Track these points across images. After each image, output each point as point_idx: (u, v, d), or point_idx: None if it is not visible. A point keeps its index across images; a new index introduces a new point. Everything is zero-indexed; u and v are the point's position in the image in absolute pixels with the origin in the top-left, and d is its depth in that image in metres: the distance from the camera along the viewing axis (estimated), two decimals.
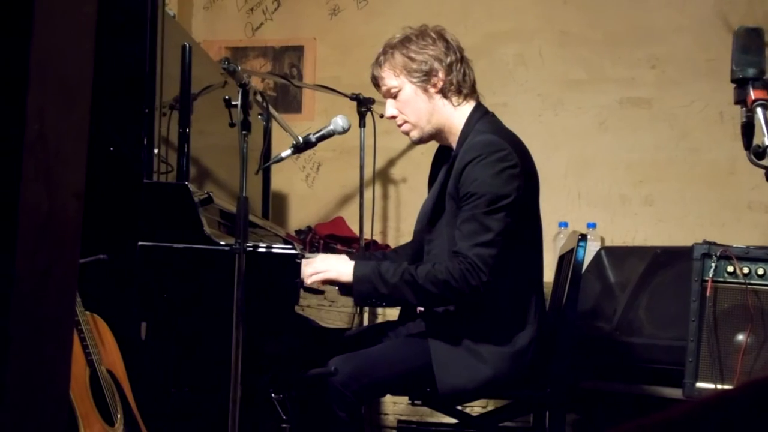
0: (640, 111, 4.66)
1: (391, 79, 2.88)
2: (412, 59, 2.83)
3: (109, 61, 2.97)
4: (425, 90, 2.85)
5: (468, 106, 2.88)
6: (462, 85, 2.86)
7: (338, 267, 2.83)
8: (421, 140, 2.95)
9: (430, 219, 2.86)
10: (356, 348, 2.97)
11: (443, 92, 2.86)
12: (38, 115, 1.06)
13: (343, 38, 4.99)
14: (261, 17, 5.10)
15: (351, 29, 4.98)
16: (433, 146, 3.06)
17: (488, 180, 2.67)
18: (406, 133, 2.94)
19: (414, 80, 2.84)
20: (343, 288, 2.87)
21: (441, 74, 2.84)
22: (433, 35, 2.86)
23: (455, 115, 2.88)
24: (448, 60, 2.84)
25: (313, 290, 2.94)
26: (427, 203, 2.95)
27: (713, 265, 3.15)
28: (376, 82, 2.94)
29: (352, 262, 2.82)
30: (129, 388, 2.70)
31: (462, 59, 2.88)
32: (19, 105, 1.04)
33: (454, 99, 2.87)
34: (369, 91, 4.14)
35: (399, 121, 2.92)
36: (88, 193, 1.22)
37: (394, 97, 2.90)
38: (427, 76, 2.83)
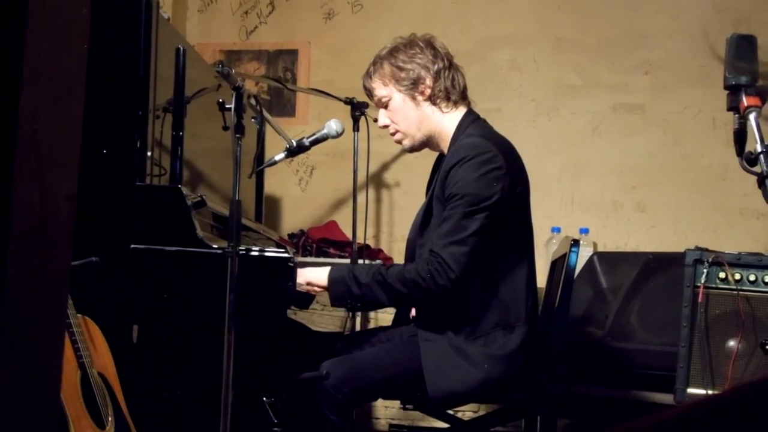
0: (634, 117, 4.67)
1: (380, 89, 2.91)
2: (400, 68, 2.86)
3: (103, 64, 2.97)
4: (413, 98, 2.87)
5: (458, 113, 2.90)
6: (450, 92, 2.87)
7: (315, 272, 2.87)
8: (413, 148, 2.97)
9: (422, 224, 2.88)
10: (348, 352, 2.98)
11: (431, 99, 2.87)
12: (31, 117, 1.06)
13: (338, 42, 4.99)
14: (255, 20, 5.10)
15: (345, 33, 4.99)
16: (427, 151, 3.06)
17: (471, 182, 2.69)
18: (399, 142, 2.97)
19: (402, 89, 2.87)
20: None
21: (428, 81, 2.85)
22: (421, 44, 2.88)
23: (445, 122, 2.89)
24: (436, 67, 2.86)
25: (300, 304, 2.93)
26: (420, 210, 2.96)
27: (705, 271, 3.15)
28: (368, 93, 2.98)
29: (328, 267, 2.85)
30: (120, 391, 2.70)
31: (451, 66, 2.89)
32: (12, 107, 1.03)
33: (443, 106, 2.88)
34: (363, 96, 4.13)
35: (391, 129, 2.95)
36: (81, 195, 1.22)
37: (385, 106, 2.92)
38: (415, 84, 2.86)
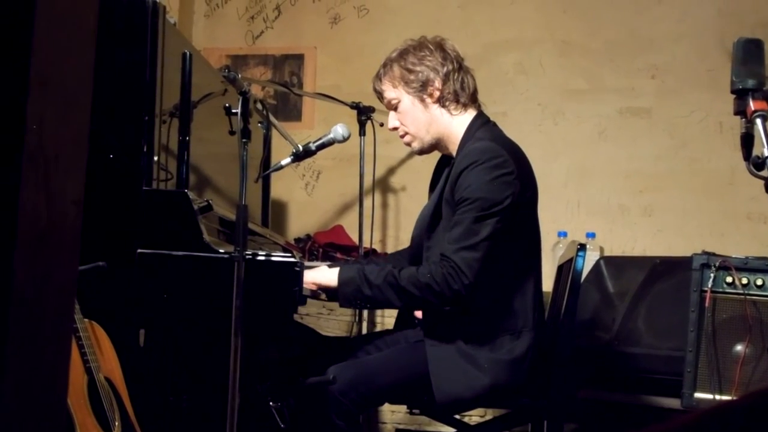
0: (640, 121, 4.66)
1: (390, 91, 2.90)
2: (409, 71, 2.86)
3: (110, 69, 2.98)
4: (422, 100, 2.87)
5: (468, 115, 2.89)
6: (459, 95, 2.87)
7: (325, 273, 2.86)
8: (422, 151, 2.97)
9: (429, 225, 2.87)
10: (355, 356, 2.98)
11: (441, 102, 2.87)
12: (38, 122, 1.06)
13: (344, 47, 5.00)
14: (261, 25, 5.11)
15: (351, 38, 4.99)
16: (433, 155, 3.06)
17: (482, 186, 2.68)
18: (408, 144, 2.97)
19: (411, 91, 2.86)
20: (330, 292, 2.88)
21: (437, 84, 2.85)
22: (431, 46, 2.88)
23: (454, 124, 2.88)
24: (445, 70, 2.85)
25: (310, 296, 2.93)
26: (426, 209, 2.96)
27: (712, 275, 3.15)
28: (378, 95, 2.97)
29: (338, 267, 2.84)
30: (127, 396, 2.70)
31: (460, 68, 2.88)
32: (19, 113, 1.04)
33: (452, 108, 2.88)
34: (369, 100, 4.15)
35: (400, 132, 2.95)
36: (88, 200, 1.22)
37: (395, 108, 2.92)
38: (424, 86, 2.85)
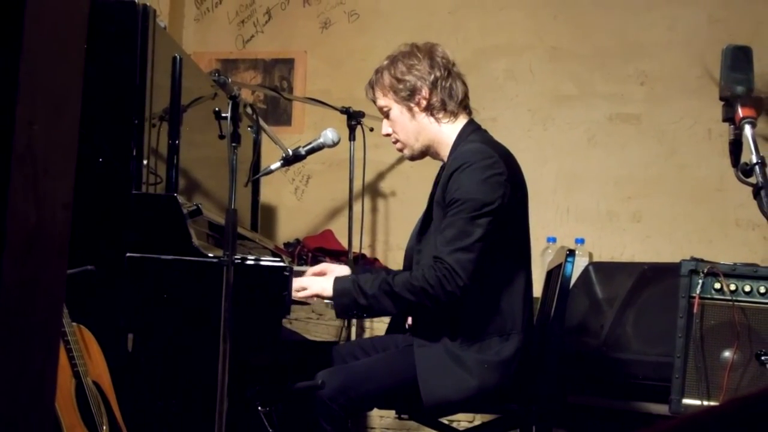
0: (629, 127, 4.68)
1: (381, 99, 2.93)
2: (398, 80, 2.87)
3: (100, 72, 2.97)
4: (410, 109, 2.89)
5: (458, 123, 2.90)
6: (447, 103, 2.87)
7: (321, 282, 2.87)
8: (413, 157, 2.99)
9: (420, 230, 2.88)
10: (344, 361, 2.98)
11: (428, 110, 2.88)
12: (27, 125, 1.06)
13: (334, 52, 5.00)
14: (252, 29, 5.10)
15: (342, 43, 4.99)
16: (423, 160, 3.06)
17: (473, 186, 2.69)
18: (400, 151, 2.99)
19: (399, 99, 2.89)
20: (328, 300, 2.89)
21: (425, 92, 2.86)
22: (420, 54, 2.89)
23: (443, 132, 2.89)
24: (432, 78, 2.86)
25: (299, 302, 2.93)
26: (419, 220, 2.97)
27: (700, 281, 3.15)
28: (372, 101, 2.99)
29: (333, 278, 2.84)
30: (115, 400, 2.69)
31: (449, 75, 2.89)
32: (8, 115, 1.03)
33: (441, 116, 2.89)
34: (359, 105, 4.15)
35: (392, 139, 2.97)
36: (77, 203, 1.22)
37: (387, 116, 2.93)
38: (411, 95, 2.87)
